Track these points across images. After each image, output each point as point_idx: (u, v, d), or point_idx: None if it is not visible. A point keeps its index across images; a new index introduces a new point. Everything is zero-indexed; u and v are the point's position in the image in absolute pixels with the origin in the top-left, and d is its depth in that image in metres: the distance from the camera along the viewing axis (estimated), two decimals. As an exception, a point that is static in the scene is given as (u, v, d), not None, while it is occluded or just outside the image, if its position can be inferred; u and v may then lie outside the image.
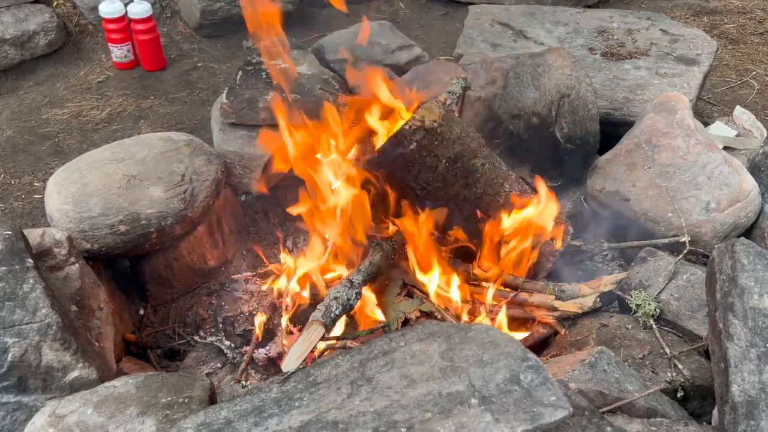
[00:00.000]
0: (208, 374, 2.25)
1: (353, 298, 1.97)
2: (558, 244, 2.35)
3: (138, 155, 2.46)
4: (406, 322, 2.11)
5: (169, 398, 1.68)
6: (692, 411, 1.95)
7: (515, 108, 2.66)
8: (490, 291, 2.23)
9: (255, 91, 2.63)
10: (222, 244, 2.66)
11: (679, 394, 1.97)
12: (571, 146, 2.67)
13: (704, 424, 1.85)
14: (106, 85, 3.78)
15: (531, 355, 1.50)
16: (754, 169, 2.59)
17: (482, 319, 2.18)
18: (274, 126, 2.34)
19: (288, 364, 1.69)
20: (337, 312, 1.90)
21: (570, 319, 2.31)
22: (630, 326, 2.19)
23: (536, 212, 2.27)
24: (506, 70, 2.72)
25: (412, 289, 2.24)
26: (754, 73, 3.81)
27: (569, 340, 2.23)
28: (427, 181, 2.14)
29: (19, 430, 1.73)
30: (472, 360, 1.49)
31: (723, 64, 3.86)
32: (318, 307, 1.89)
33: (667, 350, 2.07)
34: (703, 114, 3.35)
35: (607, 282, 2.34)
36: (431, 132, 2.06)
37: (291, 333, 2.21)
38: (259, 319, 2.24)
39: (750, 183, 2.42)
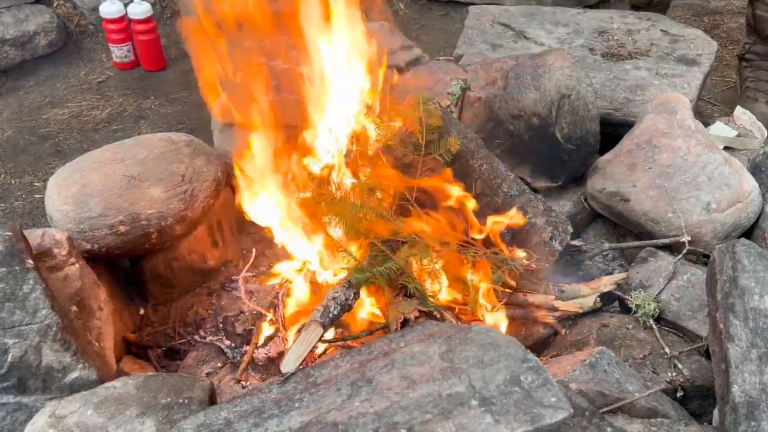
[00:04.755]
0: (208, 374, 2.25)
1: (351, 298, 1.97)
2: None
3: (138, 155, 2.46)
4: (405, 323, 2.11)
5: (169, 399, 1.68)
6: (693, 411, 1.95)
7: (515, 108, 2.65)
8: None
9: (255, 91, 2.63)
10: (222, 244, 2.66)
11: (679, 394, 1.97)
12: (572, 146, 2.66)
13: (705, 424, 1.85)
14: (107, 85, 3.78)
15: (531, 356, 1.50)
16: (755, 169, 2.58)
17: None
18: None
19: (287, 365, 1.69)
20: (335, 312, 1.90)
21: (570, 320, 2.31)
22: (630, 326, 2.19)
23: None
24: (506, 70, 2.72)
25: (410, 289, 2.23)
26: (755, 73, 3.80)
27: (569, 340, 2.23)
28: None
29: (19, 431, 1.73)
30: (473, 361, 1.49)
31: (723, 64, 3.85)
32: (317, 307, 1.89)
33: (668, 350, 2.07)
34: (704, 114, 3.35)
35: (607, 282, 2.34)
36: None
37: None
38: (264, 322, 2.24)
39: (750, 183, 2.42)
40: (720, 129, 3.07)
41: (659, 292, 2.23)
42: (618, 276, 2.36)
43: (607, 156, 2.65)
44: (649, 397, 1.80)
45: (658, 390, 1.86)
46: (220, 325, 2.42)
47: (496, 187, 2.29)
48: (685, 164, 2.45)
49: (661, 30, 3.45)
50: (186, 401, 1.68)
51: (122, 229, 2.27)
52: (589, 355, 1.87)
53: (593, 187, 2.61)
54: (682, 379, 1.99)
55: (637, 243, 2.50)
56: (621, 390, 1.80)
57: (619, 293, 2.30)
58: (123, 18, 3.77)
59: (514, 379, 1.43)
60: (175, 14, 4.20)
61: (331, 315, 1.88)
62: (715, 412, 1.82)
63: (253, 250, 2.48)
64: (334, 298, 1.93)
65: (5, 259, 1.83)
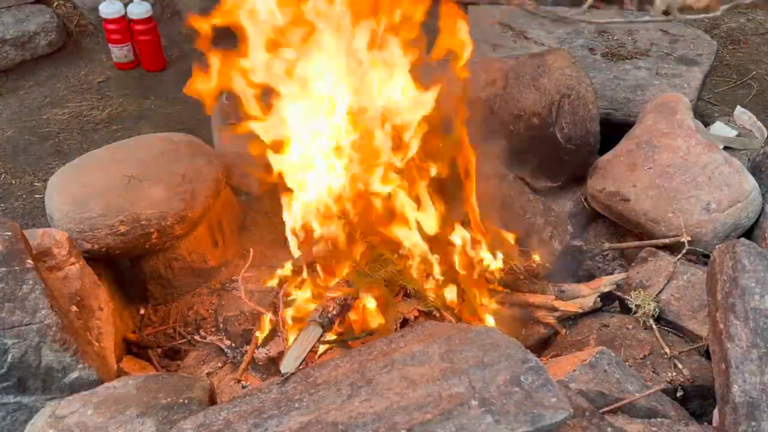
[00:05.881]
0: (208, 374, 2.24)
1: (350, 298, 1.97)
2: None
3: (138, 155, 2.46)
4: (404, 323, 2.11)
5: (169, 399, 1.68)
6: (693, 411, 1.95)
7: (515, 108, 2.65)
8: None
9: (255, 91, 2.62)
10: (222, 244, 2.66)
11: (679, 394, 1.97)
12: (572, 146, 2.66)
13: (705, 424, 1.85)
14: (107, 85, 3.78)
15: (531, 356, 1.49)
16: (755, 169, 2.58)
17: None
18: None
19: (286, 365, 1.69)
20: (334, 312, 1.90)
21: (570, 320, 2.31)
22: (630, 326, 2.19)
23: None
24: (506, 70, 2.72)
25: (409, 289, 2.24)
26: (755, 73, 3.80)
27: (570, 341, 2.23)
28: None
29: (20, 431, 1.73)
30: (473, 361, 1.49)
31: (723, 64, 3.85)
32: (315, 307, 1.89)
33: (668, 350, 2.07)
34: (704, 114, 3.35)
35: (607, 282, 2.34)
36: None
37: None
38: (264, 322, 2.23)
39: (750, 183, 2.41)
40: (720, 129, 3.07)
41: (659, 292, 2.23)
42: (618, 276, 2.36)
43: (607, 156, 2.65)
44: (649, 397, 1.80)
45: (658, 390, 1.86)
46: (220, 325, 2.42)
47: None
48: (685, 164, 2.45)
49: (661, 30, 3.45)
50: (186, 401, 1.68)
51: (122, 229, 2.27)
52: (590, 355, 1.87)
53: (593, 187, 2.61)
54: (682, 379, 1.99)
55: (637, 243, 2.50)
56: (621, 390, 1.79)
57: (619, 293, 2.30)
58: (123, 18, 3.77)
59: (514, 379, 1.43)
60: (175, 14, 4.20)
61: (330, 315, 1.88)
62: (715, 412, 1.82)
63: (251, 250, 2.48)
64: (333, 299, 1.93)
65: (5, 259, 1.83)
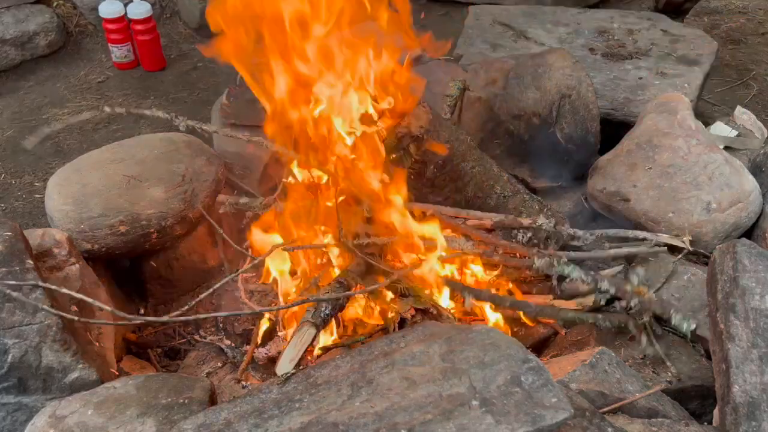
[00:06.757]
0: (208, 374, 2.24)
1: (343, 297, 1.96)
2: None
3: (138, 155, 2.46)
4: (402, 322, 2.11)
5: (170, 399, 1.68)
6: (693, 411, 1.95)
7: (516, 108, 2.65)
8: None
9: (255, 91, 2.62)
10: (222, 244, 2.66)
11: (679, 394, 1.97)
12: (572, 146, 2.66)
13: (705, 424, 1.85)
14: (107, 85, 3.78)
15: (532, 356, 1.50)
16: (755, 169, 2.58)
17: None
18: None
19: (282, 367, 1.69)
20: (327, 312, 1.89)
21: (570, 320, 2.31)
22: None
23: None
24: (507, 70, 2.72)
25: (404, 288, 2.23)
26: (755, 73, 3.80)
27: (570, 341, 2.23)
28: (415, 186, 2.13)
29: (20, 431, 1.73)
30: (473, 362, 1.49)
31: (724, 64, 3.85)
32: (308, 308, 1.88)
33: (668, 350, 2.07)
34: (704, 114, 3.35)
35: (605, 275, 2.33)
36: (417, 139, 2.05)
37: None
38: (262, 322, 2.24)
39: (751, 183, 2.41)
40: (720, 129, 3.07)
41: (658, 292, 2.23)
42: (614, 269, 2.35)
43: (607, 156, 2.65)
44: (650, 397, 1.80)
45: (659, 390, 1.86)
46: (220, 325, 2.42)
47: (488, 189, 2.29)
48: (686, 164, 2.45)
49: (662, 30, 3.45)
50: (186, 401, 1.68)
51: (122, 229, 2.27)
52: (590, 355, 1.87)
53: (593, 187, 2.61)
54: (682, 379, 1.98)
55: (636, 242, 2.49)
56: (621, 390, 1.79)
57: (619, 293, 2.30)
58: (122, 18, 3.77)
59: (514, 379, 1.43)
60: (175, 14, 4.21)
61: (323, 315, 1.87)
62: (715, 412, 1.82)
63: (249, 250, 2.48)
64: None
65: (5, 259, 1.83)
